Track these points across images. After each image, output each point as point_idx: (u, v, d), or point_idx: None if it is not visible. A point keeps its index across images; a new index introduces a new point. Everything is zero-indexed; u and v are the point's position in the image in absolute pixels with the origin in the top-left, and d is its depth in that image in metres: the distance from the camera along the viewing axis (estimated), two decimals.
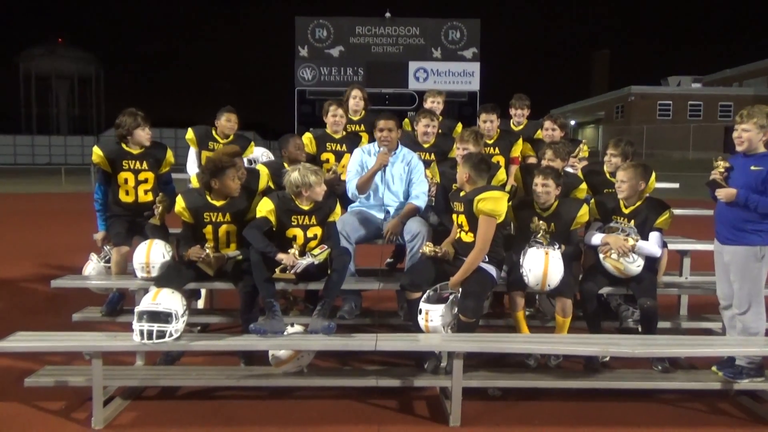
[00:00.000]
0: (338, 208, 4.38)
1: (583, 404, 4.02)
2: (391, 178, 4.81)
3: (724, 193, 3.93)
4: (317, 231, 4.27)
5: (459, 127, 5.81)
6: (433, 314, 3.93)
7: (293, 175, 4.12)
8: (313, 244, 4.25)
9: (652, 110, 39.40)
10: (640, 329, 4.34)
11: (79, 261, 5.08)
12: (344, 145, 5.40)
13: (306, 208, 4.20)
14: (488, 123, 5.48)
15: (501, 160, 5.46)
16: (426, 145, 5.24)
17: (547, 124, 5.68)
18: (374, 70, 14.76)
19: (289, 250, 4.06)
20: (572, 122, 42.37)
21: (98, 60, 71.77)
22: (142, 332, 3.64)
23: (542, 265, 4.11)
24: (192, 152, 5.67)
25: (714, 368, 4.02)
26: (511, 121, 6.00)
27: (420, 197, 4.79)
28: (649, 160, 25.45)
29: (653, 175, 4.53)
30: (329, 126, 5.49)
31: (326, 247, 4.13)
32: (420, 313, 3.98)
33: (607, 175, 4.89)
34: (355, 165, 4.89)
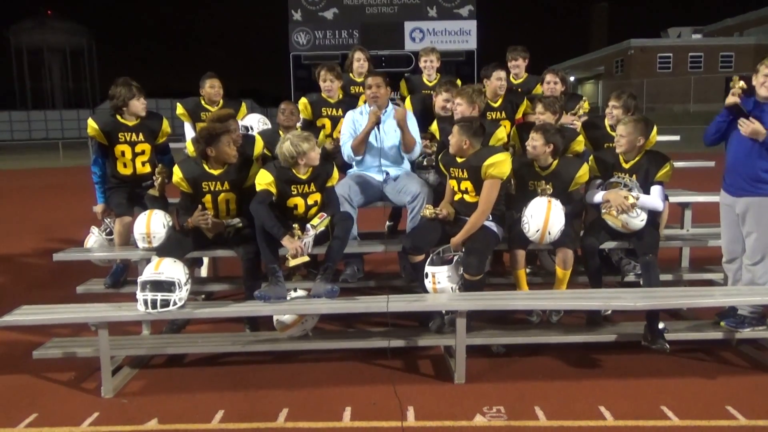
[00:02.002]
0: (335, 173, 4.34)
1: (585, 357, 4.06)
2: (384, 135, 4.72)
3: (751, 128, 3.78)
4: (317, 197, 4.25)
5: None
6: (439, 276, 3.95)
7: (284, 146, 4.04)
8: (314, 210, 4.24)
9: (652, 63, 38.79)
10: (641, 282, 4.36)
11: (80, 234, 5.09)
12: (340, 110, 5.31)
13: (304, 177, 4.16)
14: (502, 81, 5.29)
15: (507, 124, 5.29)
16: None
17: (549, 77, 5.53)
18: (369, 31, 14.43)
19: (292, 229, 3.99)
20: (572, 78, 41.81)
21: (89, 31, 70.77)
22: (146, 302, 3.66)
23: (544, 211, 4.09)
24: (188, 126, 5.59)
25: (716, 318, 4.05)
26: (510, 75, 5.84)
27: (415, 150, 4.74)
28: (650, 113, 25.23)
29: (654, 129, 4.47)
30: (324, 91, 5.41)
31: (325, 215, 4.10)
32: (426, 276, 4.00)
33: (608, 129, 4.80)
34: (348, 128, 4.82)
